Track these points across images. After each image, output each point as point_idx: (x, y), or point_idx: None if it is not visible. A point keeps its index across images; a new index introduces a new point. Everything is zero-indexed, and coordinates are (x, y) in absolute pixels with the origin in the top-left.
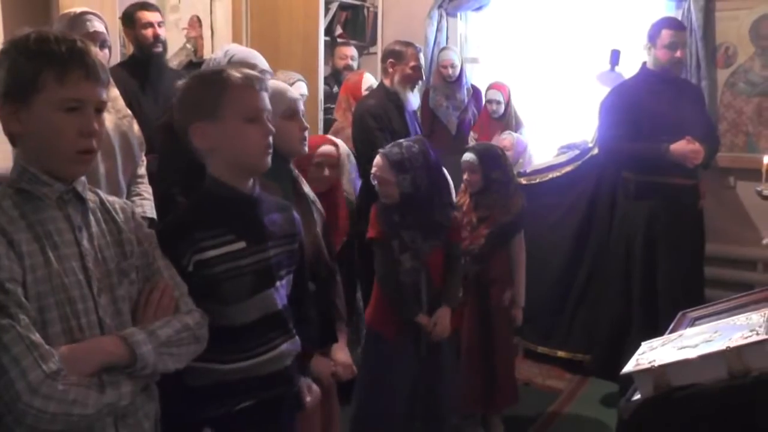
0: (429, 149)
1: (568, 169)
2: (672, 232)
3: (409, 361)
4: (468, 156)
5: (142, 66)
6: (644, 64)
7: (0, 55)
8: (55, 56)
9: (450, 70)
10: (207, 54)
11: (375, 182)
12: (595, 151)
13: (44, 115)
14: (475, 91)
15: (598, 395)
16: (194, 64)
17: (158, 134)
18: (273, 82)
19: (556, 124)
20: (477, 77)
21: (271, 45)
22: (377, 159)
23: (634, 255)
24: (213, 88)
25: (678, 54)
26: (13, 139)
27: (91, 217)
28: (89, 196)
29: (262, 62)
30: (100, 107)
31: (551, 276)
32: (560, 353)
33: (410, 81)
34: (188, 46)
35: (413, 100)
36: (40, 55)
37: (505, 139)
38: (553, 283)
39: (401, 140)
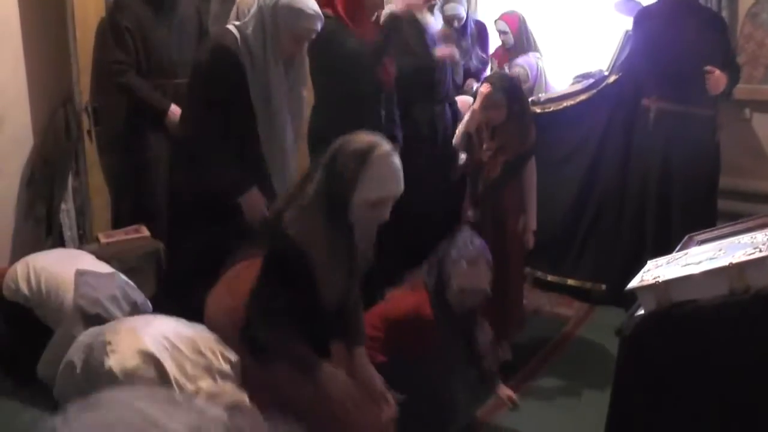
0: None
1: (582, 97)
2: (688, 164)
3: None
4: (495, 94)
5: None
6: None
7: None
8: None
9: (456, 23)
10: None
11: None
12: (611, 79)
13: None
14: (480, 29)
15: (606, 322)
16: None
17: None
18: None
19: (571, 52)
20: (491, 3)
21: None
22: None
23: (649, 187)
24: None
25: None
26: None
27: None
28: None
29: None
30: None
31: (563, 204)
32: (570, 281)
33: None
34: None
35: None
36: None
37: (518, 73)
38: (564, 212)
39: None
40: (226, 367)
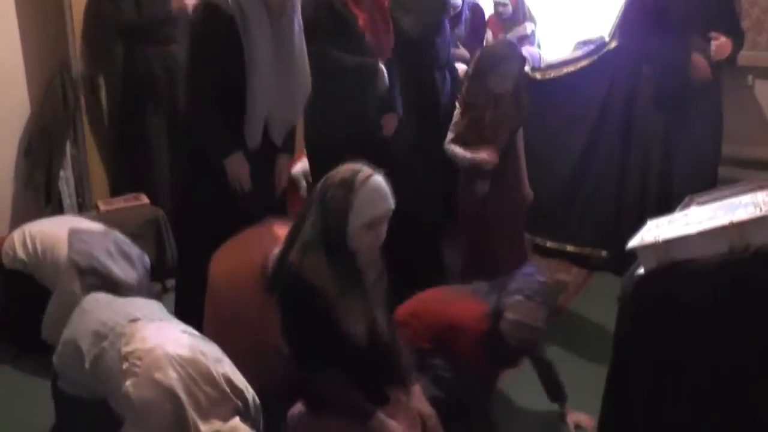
0: None
1: (583, 63)
2: (690, 131)
3: None
4: (506, 77)
5: None
6: None
7: None
8: None
9: (452, 11)
10: None
11: None
12: (612, 45)
13: None
14: (476, 10)
15: (605, 289)
16: None
17: None
18: None
19: (573, 19)
20: None
21: None
22: None
23: (651, 154)
24: None
25: None
26: None
27: None
28: None
29: None
30: None
31: (564, 170)
32: (569, 248)
33: None
34: None
35: None
36: None
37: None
38: (565, 178)
39: None
40: (234, 398)
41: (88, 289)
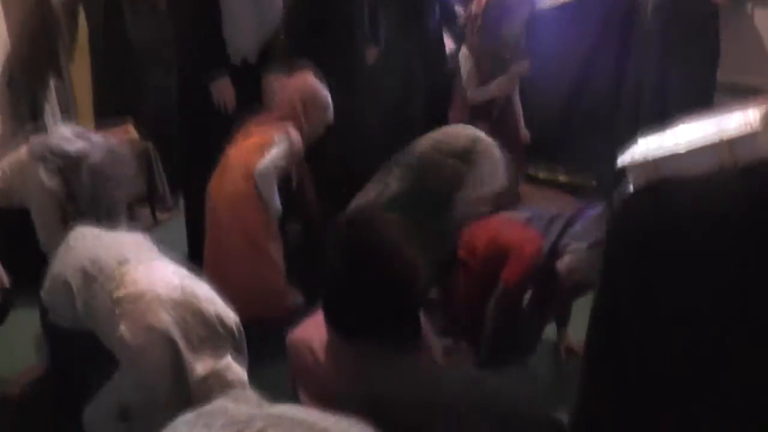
0: None
1: None
2: (686, 54)
3: None
4: (517, 23)
5: None
6: None
7: None
8: None
9: None
10: None
11: None
12: None
13: None
14: None
15: None
16: None
17: None
18: None
19: None
20: None
21: None
22: None
23: (645, 82)
24: None
25: None
26: None
27: None
28: None
29: None
30: None
31: (557, 101)
32: (561, 177)
33: None
34: None
35: None
36: None
37: None
38: (559, 109)
39: None
40: (226, 334)
41: (54, 174)
